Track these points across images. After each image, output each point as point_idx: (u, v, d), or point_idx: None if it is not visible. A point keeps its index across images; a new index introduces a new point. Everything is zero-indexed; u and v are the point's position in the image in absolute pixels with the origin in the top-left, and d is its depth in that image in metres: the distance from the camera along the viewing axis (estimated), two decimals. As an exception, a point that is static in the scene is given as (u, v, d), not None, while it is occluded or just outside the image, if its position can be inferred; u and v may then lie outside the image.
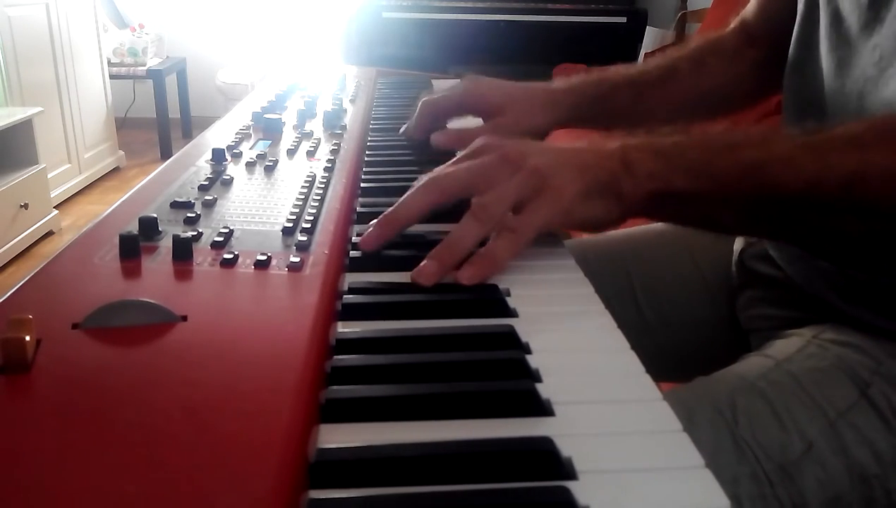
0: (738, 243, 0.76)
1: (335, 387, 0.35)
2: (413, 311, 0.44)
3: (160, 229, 0.48)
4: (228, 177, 0.60)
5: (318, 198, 0.57)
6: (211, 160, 0.65)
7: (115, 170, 3.43)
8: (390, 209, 0.51)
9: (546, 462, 0.30)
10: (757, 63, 0.77)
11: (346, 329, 0.42)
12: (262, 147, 0.71)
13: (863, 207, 0.46)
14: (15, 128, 2.40)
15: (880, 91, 0.54)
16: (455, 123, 0.82)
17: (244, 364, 0.33)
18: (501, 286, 0.47)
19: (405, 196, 0.52)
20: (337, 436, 0.32)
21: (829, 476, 0.50)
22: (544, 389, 0.36)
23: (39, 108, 2.54)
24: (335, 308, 0.42)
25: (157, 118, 3.63)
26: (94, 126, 3.20)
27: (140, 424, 0.29)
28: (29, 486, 0.25)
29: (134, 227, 0.47)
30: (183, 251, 0.44)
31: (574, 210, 0.49)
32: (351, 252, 0.52)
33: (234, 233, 0.48)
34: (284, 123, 0.80)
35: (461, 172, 0.51)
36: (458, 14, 3.28)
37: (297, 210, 0.53)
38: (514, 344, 0.40)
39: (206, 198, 0.54)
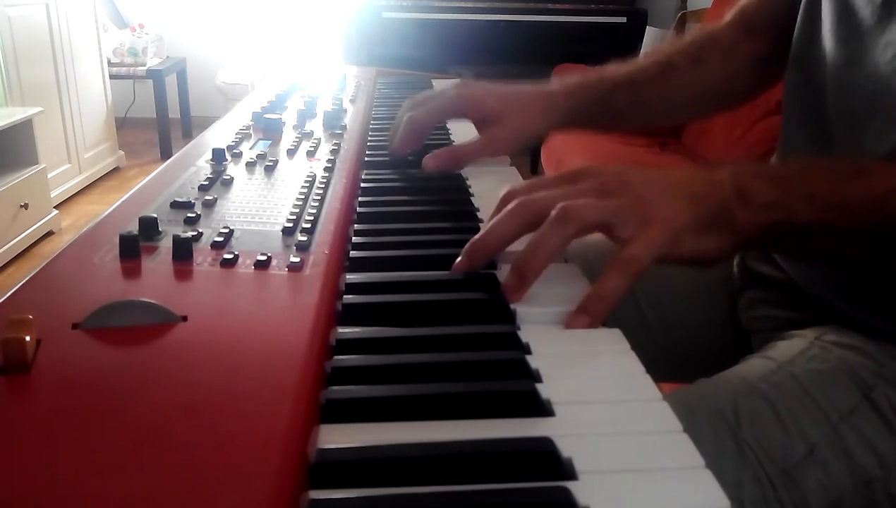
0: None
1: (335, 388, 0.35)
2: (413, 311, 0.44)
3: (160, 229, 0.48)
4: (228, 177, 0.60)
5: (318, 198, 0.57)
6: (211, 160, 0.65)
7: (115, 170, 3.43)
8: (478, 235, 0.48)
9: (546, 462, 0.30)
10: (756, 56, 0.75)
11: (346, 329, 0.42)
12: (262, 147, 0.71)
13: None
14: (15, 128, 2.39)
15: (895, 90, 0.53)
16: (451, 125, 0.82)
17: (244, 364, 0.33)
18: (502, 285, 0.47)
19: (494, 220, 0.48)
20: (337, 436, 0.32)
21: (831, 479, 0.49)
22: (544, 389, 0.35)
23: (39, 108, 2.54)
24: (335, 308, 0.42)
25: (157, 118, 3.63)
26: (94, 126, 3.20)
27: (140, 424, 0.29)
28: (29, 486, 0.25)
29: (134, 227, 0.47)
30: (183, 251, 0.44)
31: (683, 242, 0.45)
32: (351, 252, 0.52)
33: (234, 233, 0.48)
34: (284, 123, 0.80)
35: (556, 196, 0.46)
36: (458, 14, 3.28)
37: (297, 210, 0.53)
38: (514, 344, 0.40)
39: (206, 198, 0.54)
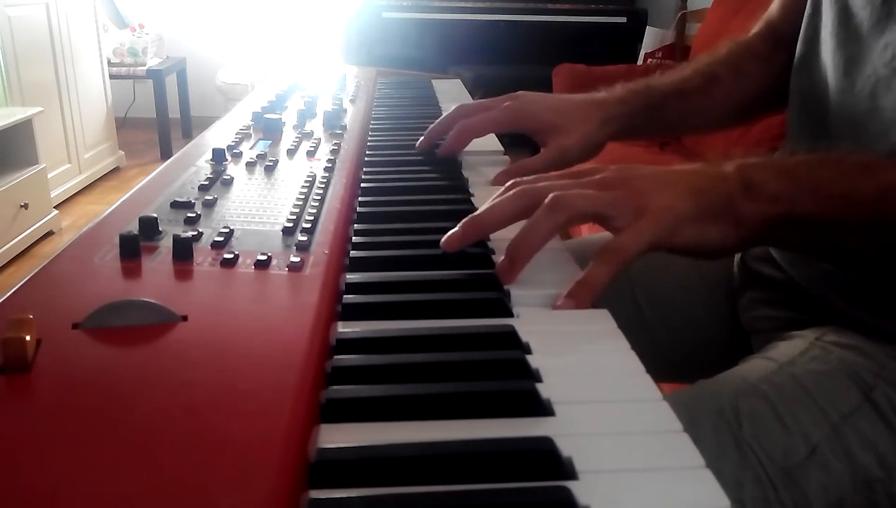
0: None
1: (335, 387, 0.35)
2: (413, 311, 0.44)
3: (160, 229, 0.48)
4: (228, 177, 0.60)
5: (318, 198, 0.57)
6: (211, 160, 0.65)
7: (115, 170, 3.43)
8: (478, 211, 0.49)
9: (546, 462, 0.30)
10: (788, 65, 0.75)
11: (346, 329, 0.42)
12: (262, 147, 0.71)
13: None
14: (15, 128, 2.39)
15: (895, 91, 0.54)
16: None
17: (244, 364, 0.33)
18: (502, 286, 0.47)
19: (494, 201, 0.49)
20: (337, 436, 0.32)
21: (832, 479, 0.49)
22: (544, 389, 0.35)
23: (39, 108, 2.54)
24: (335, 308, 0.42)
25: (157, 118, 3.63)
26: (94, 126, 3.20)
27: (140, 424, 0.29)
28: (29, 486, 0.25)
29: (134, 227, 0.47)
30: (183, 251, 0.44)
31: (681, 231, 0.46)
32: (351, 252, 0.52)
33: (234, 233, 0.48)
34: (284, 123, 0.80)
35: (554, 186, 0.47)
36: (458, 14, 3.28)
37: (298, 210, 0.53)
38: (514, 344, 0.40)
39: (207, 198, 0.54)
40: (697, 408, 0.52)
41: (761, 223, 0.47)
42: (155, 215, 0.48)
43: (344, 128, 0.81)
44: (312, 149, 0.71)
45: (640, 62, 2.86)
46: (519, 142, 0.80)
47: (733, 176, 0.47)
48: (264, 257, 0.44)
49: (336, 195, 0.58)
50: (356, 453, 0.31)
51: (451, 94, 1.18)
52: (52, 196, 2.66)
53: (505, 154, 0.82)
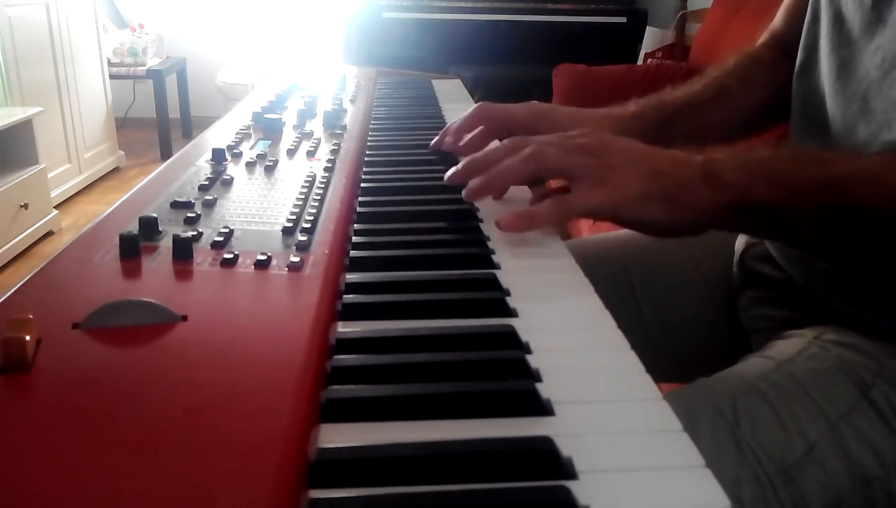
0: (740, 243, 0.76)
1: (335, 387, 0.35)
2: (413, 311, 0.44)
3: (160, 229, 0.48)
4: (228, 177, 0.60)
5: (318, 198, 0.57)
6: (211, 160, 0.65)
7: (115, 170, 3.43)
8: (493, 171, 0.55)
9: (546, 461, 0.30)
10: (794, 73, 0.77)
11: (346, 329, 0.42)
12: (262, 147, 0.71)
13: None
14: (15, 128, 2.39)
15: (886, 92, 0.54)
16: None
17: (244, 364, 0.33)
18: (502, 286, 0.47)
19: (506, 160, 0.55)
20: (337, 436, 0.32)
21: (830, 478, 0.50)
22: (544, 389, 0.36)
23: (39, 108, 2.54)
24: (335, 308, 0.42)
25: (157, 118, 3.63)
26: (94, 126, 3.20)
27: (140, 424, 0.29)
28: (29, 486, 0.25)
29: (134, 227, 0.47)
30: (183, 251, 0.44)
31: (625, 207, 0.51)
32: (351, 252, 0.52)
33: (234, 233, 0.48)
34: (284, 123, 0.80)
35: (540, 141, 0.54)
36: (458, 14, 3.28)
37: (297, 210, 0.53)
38: (514, 344, 0.40)
39: (206, 198, 0.54)
40: (696, 407, 0.52)
41: (716, 209, 0.51)
42: (155, 215, 0.48)
43: (344, 128, 0.81)
44: (312, 149, 0.71)
45: (640, 62, 2.86)
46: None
47: (697, 164, 0.52)
48: (264, 257, 0.44)
49: (336, 195, 0.58)
50: (356, 453, 0.31)
51: (451, 94, 1.18)
52: (52, 196, 2.66)
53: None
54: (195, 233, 0.47)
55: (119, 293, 0.39)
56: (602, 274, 0.66)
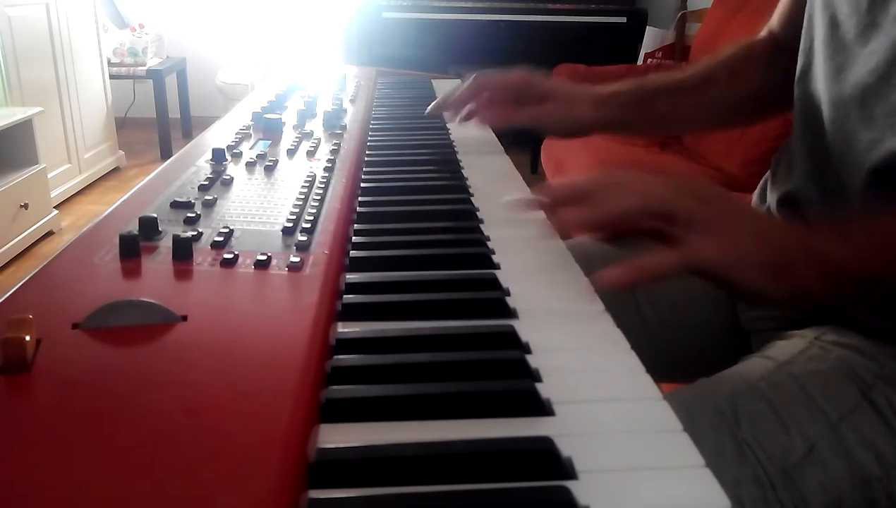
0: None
1: (335, 387, 0.35)
2: (413, 311, 0.44)
3: (160, 229, 0.48)
4: (228, 177, 0.60)
5: (318, 198, 0.57)
6: (211, 160, 0.65)
7: (115, 170, 3.43)
8: (590, 206, 0.48)
9: (546, 461, 0.30)
10: (789, 71, 0.76)
11: (346, 329, 0.42)
12: (262, 147, 0.71)
13: None
14: (15, 128, 2.39)
15: (886, 97, 0.54)
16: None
17: (244, 364, 0.33)
18: (502, 286, 0.47)
19: (606, 199, 0.48)
20: (337, 436, 0.32)
21: (830, 478, 0.50)
22: (544, 389, 0.36)
23: (39, 108, 2.53)
24: (335, 308, 0.42)
25: (157, 118, 3.63)
26: (94, 126, 3.20)
27: (140, 424, 0.29)
28: (29, 486, 0.25)
29: (134, 227, 0.47)
30: (183, 251, 0.44)
31: (736, 268, 0.47)
32: (351, 252, 0.52)
33: (234, 233, 0.48)
34: (284, 123, 0.80)
35: (659, 186, 0.49)
36: (458, 14, 3.28)
37: (297, 210, 0.53)
38: (514, 344, 0.40)
39: (206, 198, 0.54)
40: (696, 407, 0.52)
41: (824, 283, 0.48)
42: (155, 215, 0.48)
43: (344, 128, 0.81)
44: (312, 149, 0.71)
45: (640, 62, 2.86)
46: (519, 142, 0.82)
47: (801, 236, 0.49)
48: (264, 257, 0.44)
49: (336, 195, 0.58)
50: (356, 453, 0.31)
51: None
52: (52, 196, 2.66)
53: (505, 153, 0.82)
54: (195, 233, 0.47)
55: (119, 293, 0.39)
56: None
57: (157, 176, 0.62)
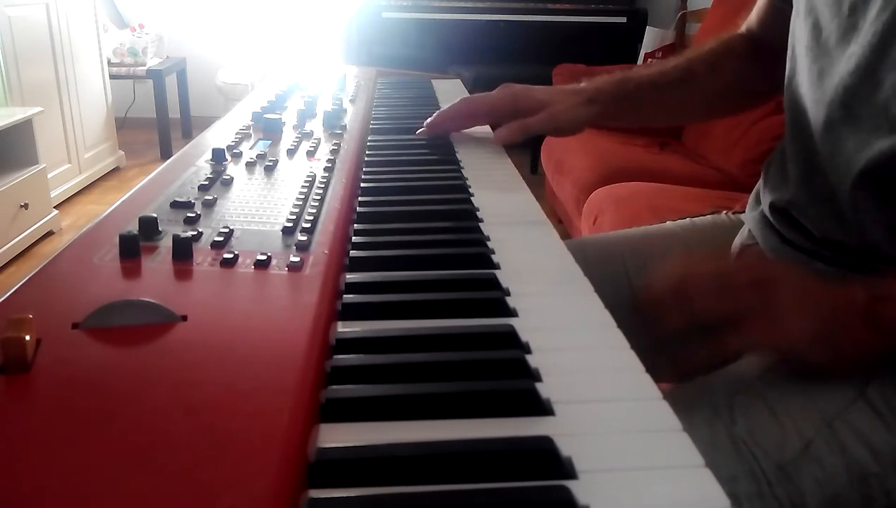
0: (737, 243, 0.76)
1: (335, 387, 0.35)
2: (413, 311, 0.44)
3: (160, 229, 0.48)
4: (228, 177, 0.60)
5: (318, 198, 0.57)
6: (211, 160, 0.65)
7: (115, 170, 3.43)
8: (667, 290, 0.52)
9: (546, 461, 0.30)
10: (767, 66, 0.79)
11: (345, 328, 0.42)
12: (262, 147, 0.71)
13: None
14: (15, 128, 2.39)
15: (868, 98, 0.54)
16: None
17: (244, 364, 0.33)
18: (501, 286, 0.47)
19: (675, 281, 0.53)
20: (337, 436, 0.32)
21: (827, 475, 0.50)
22: (544, 389, 0.36)
23: (39, 108, 2.54)
24: (335, 308, 0.42)
25: (157, 118, 3.63)
26: (94, 126, 3.20)
27: (140, 424, 0.29)
28: (29, 486, 0.25)
29: (134, 227, 0.47)
30: (183, 251, 0.44)
31: (795, 346, 0.50)
32: (351, 252, 0.52)
33: (234, 233, 0.48)
34: (284, 123, 0.80)
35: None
36: (458, 14, 3.28)
37: (297, 210, 0.53)
38: (514, 343, 0.40)
39: (206, 197, 0.54)
40: (692, 404, 0.52)
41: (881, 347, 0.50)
42: (155, 215, 0.48)
43: (344, 128, 0.81)
44: (312, 149, 0.71)
45: (640, 62, 2.86)
46: (518, 143, 0.83)
47: (857, 301, 0.50)
48: (264, 257, 0.44)
49: (336, 195, 0.58)
50: (356, 453, 0.31)
51: (451, 94, 1.18)
52: (52, 196, 2.66)
53: (505, 153, 0.82)
54: (195, 232, 0.47)
55: (119, 293, 0.39)
56: (602, 273, 0.66)
57: (157, 176, 0.62)
